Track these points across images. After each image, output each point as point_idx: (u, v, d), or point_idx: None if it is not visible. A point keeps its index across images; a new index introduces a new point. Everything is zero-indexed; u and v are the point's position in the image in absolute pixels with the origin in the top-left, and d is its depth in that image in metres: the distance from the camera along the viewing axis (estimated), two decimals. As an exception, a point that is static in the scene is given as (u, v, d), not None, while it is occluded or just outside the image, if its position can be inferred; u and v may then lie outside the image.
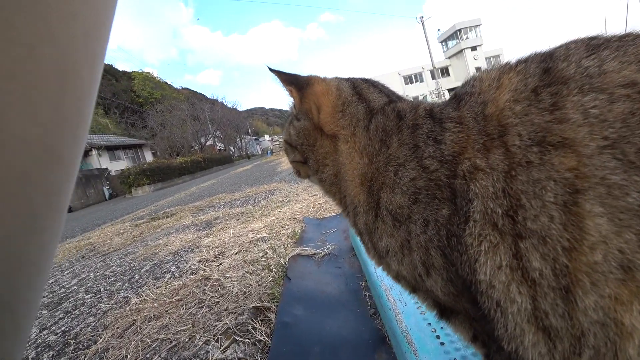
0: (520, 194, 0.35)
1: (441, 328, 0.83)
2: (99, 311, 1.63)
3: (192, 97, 49.24)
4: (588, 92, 0.33)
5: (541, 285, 0.33)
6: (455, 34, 37.74)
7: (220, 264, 1.80)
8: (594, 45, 0.36)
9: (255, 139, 61.51)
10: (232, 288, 1.41)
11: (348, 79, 0.65)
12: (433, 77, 31.08)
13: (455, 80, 38.09)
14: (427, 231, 0.42)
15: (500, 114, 0.39)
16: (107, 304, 1.71)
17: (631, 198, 0.29)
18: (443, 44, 40.54)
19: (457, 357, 0.73)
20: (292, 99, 0.66)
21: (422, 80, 37.90)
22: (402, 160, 0.46)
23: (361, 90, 0.60)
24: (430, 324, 0.85)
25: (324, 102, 0.60)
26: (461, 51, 37.02)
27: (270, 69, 0.65)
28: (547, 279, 0.33)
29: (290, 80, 0.64)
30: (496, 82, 0.41)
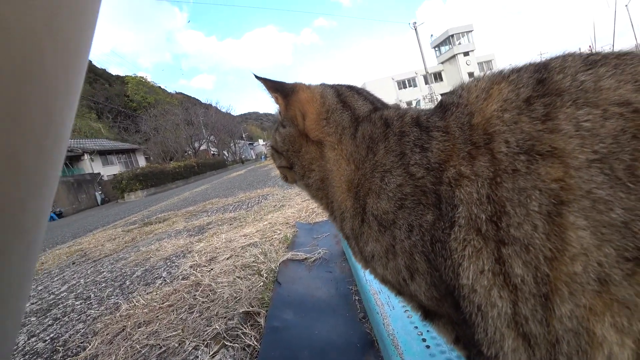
0: (505, 201, 0.35)
1: (427, 331, 0.84)
2: (89, 317, 1.62)
3: (186, 102, 49.18)
4: (582, 106, 0.33)
5: (522, 291, 0.34)
6: (448, 40, 38.16)
7: (212, 269, 1.80)
8: (592, 60, 0.36)
9: (250, 143, 61.41)
10: (223, 293, 1.41)
11: (332, 86, 0.66)
12: (426, 82, 31.41)
13: (448, 85, 38.42)
14: (411, 236, 0.43)
15: (487, 122, 0.39)
16: (97, 310, 1.70)
17: (615, 214, 0.30)
18: (436, 49, 40.96)
19: (442, 360, 0.75)
20: (277, 106, 0.67)
21: (415, 85, 38.22)
22: (389, 167, 0.47)
23: (345, 98, 0.61)
24: (416, 327, 0.87)
25: (309, 109, 0.61)
26: (454, 56, 37.41)
27: (256, 77, 0.66)
28: (529, 285, 0.34)
29: (275, 88, 0.65)
30: (485, 94, 0.42)
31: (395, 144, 0.48)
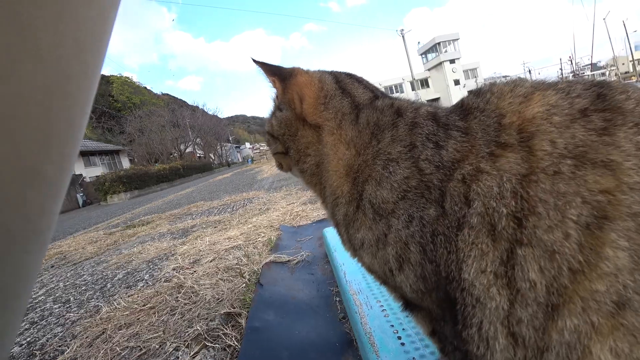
0: (538, 201, 0.34)
1: (403, 329, 0.87)
2: (68, 321, 1.60)
3: (172, 103, 48.61)
4: None
5: (525, 297, 0.34)
6: (434, 47, 38.96)
7: (195, 271, 1.80)
8: None
9: (236, 146, 60.98)
10: (205, 295, 1.42)
11: (331, 72, 0.65)
12: (413, 89, 31.92)
13: (434, 91, 39.24)
14: (410, 227, 0.43)
15: (527, 122, 0.38)
16: (77, 313, 1.67)
17: None
18: (423, 56, 41.77)
19: (416, 357, 0.78)
20: (274, 90, 0.67)
21: (402, 91, 38.76)
22: (395, 156, 0.46)
23: (345, 85, 0.61)
24: (392, 325, 0.90)
25: (307, 93, 0.60)
26: (440, 64, 38.22)
27: (254, 60, 0.66)
28: (537, 292, 0.33)
29: (273, 71, 0.64)
30: (522, 99, 0.41)
31: (405, 134, 0.47)
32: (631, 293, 0.29)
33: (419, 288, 0.44)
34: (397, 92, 39.01)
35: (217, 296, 1.37)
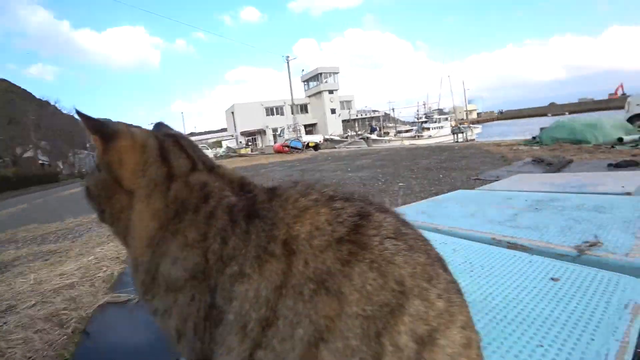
0: (281, 315, 0.39)
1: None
2: None
3: (12, 93, 39.54)
4: (374, 269, 0.39)
5: None
6: (316, 77, 42.00)
7: (5, 322, 1.49)
8: (400, 232, 0.44)
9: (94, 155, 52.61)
10: (14, 354, 1.20)
11: (157, 137, 0.64)
12: (292, 112, 33.43)
13: (312, 117, 42.07)
14: (191, 305, 0.48)
15: (292, 239, 0.43)
16: None
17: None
18: (305, 83, 44.48)
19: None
20: (96, 149, 0.64)
21: (282, 114, 40.36)
22: (190, 242, 0.50)
23: (167, 152, 0.61)
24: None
25: (127, 159, 0.60)
26: (320, 92, 41.26)
27: (78, 112, 0.61)
28: None
29: (96, 129, 0.61)
30: (297, 212, 0.46)
31: (202, 223, 0.51)
32: None
33: None
34: (278, 114, 40.68)
35: (28, 355, 1.18)
